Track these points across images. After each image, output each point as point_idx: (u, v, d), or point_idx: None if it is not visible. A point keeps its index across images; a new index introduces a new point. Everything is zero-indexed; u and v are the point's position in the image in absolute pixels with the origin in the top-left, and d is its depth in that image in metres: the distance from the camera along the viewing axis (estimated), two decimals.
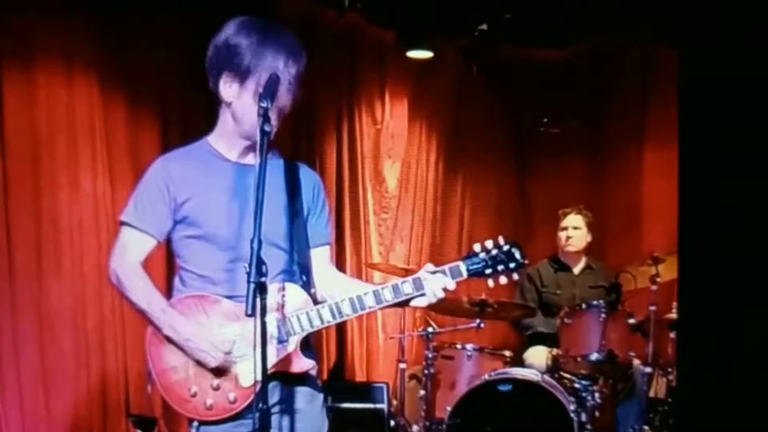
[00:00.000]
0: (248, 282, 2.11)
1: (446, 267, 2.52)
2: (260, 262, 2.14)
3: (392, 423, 4.88)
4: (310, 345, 2.54)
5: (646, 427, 4.73)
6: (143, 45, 4.88)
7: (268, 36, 2.47)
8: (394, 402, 5.06)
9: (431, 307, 5.48)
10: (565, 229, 5.38)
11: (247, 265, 2.13)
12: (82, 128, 4.68)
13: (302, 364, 2.47)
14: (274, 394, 2.46)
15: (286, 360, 2.45)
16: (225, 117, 2.57)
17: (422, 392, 4.79)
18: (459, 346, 4.86)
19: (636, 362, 4.76)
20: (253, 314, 2.10)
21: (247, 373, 2.41)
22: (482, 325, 4.77)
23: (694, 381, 3.02)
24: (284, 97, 2.43)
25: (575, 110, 6.47)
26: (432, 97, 6.36)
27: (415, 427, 4.85)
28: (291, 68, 2.44)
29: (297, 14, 5.61)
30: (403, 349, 5.05)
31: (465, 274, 2.51)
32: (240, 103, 2.50)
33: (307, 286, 2.53)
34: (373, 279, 5.80)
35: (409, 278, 2.51)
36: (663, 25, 5.18)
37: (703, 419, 2.89)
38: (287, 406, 2.50)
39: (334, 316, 2.46)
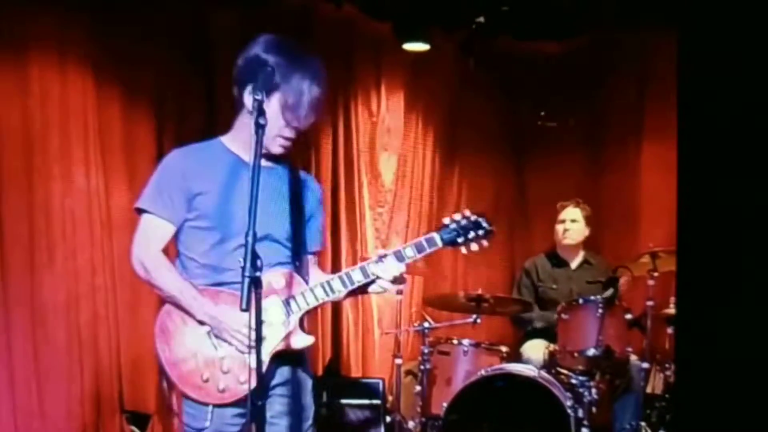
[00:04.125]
0: (243, 277, 2.17)
1: (422, 238, 2.74)
2: (255, 256, 2.18)
3: (388, 419, 4.87)
4: (304, 327, 2.72)
5: (642, 423, 4.72)
6: (138, 37, 4.84)
7: (297, 58, 2.64)
8: (390, 398, 5.05)
9: (428, 303, 5.54)
10: (563, 222, 5.36)
11: (242, 259, 2.19)
12: (75, 121, 4.65)
13: (302, 340, 2.66)
14: (274, 376, 2.64)
15: (288, 338, 2.63)
16: (243, 123, 2.69)
17: (418, 388, 4.78)
18: (455, 342, 4.84)
19: (633, 358, 4.74)
20: (247, 309, 2.16)
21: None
22: (479, 321, 4.75)
23: (692, 377, 3.00)
24: (308, 116, 2.61)
25: (573, 104, 6.44)
26: (428, 91, 6.32)
27: (411, 423, 4.84)
28: (314, 91, 2.60)
29: (293, 6, 5.58)
30: (399, 344, 5.04)
31: (440, 243, 2.74)
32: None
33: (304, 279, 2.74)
34: None
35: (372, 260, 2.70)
36: (662, 16, 5.14)
37: (701, 415, 2.87)
38: (283, 387, 2.67)
39: (326, 293, 2.67)
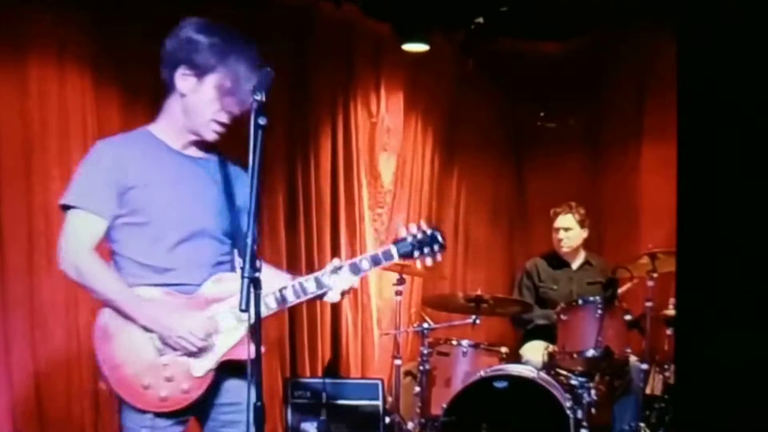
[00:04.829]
0: (242, 277, 2.14)
1: (379, 251, 2.68)
2: (254, 257, 2.15)
3: (387, 420, 4.86)
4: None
5: (642, 424, 4.70)
6: (137, 37, 4.82)
7: (231, 40, 2.53)
8: (389, 398, 5.04)
9: (427, 304, 5.53)
10: (557, 230, 5.35)
11: (241, 259, 2.22)
12: (74, 122, 4.64)
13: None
14: (224, 385, 2.57)
15: (236, 348, 2.54)
16: (173, 109, 2.61)
17: (417, 389, 4.77)
18: (455, 342, 4.83)
19: (632, 359, 4.73)
20: (246, 310, 2.13)
21: (198, 363, 2.51)
22: (478, 321, 4.74)
23: (692, 378, 2.99)
24: (246, 102, 2.38)
25: (573, 104, 6.43)
26: (428, 91, 6.32)
27: (410, 424, 4.83)
28: (252, 77, 2.44)
29: (293, 6, 5.57)
30: (398, 345, 5.03)
31: (396, 257, 2.68)
32: (195, 97, 2.54)
33: None
34: (368, 274, 5.77)
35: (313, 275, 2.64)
36: (662, 18, 5.14)
37: (701, 416, 2.86)
38: (233, 396, 2.59)
39: (278, 303, 2.59)
